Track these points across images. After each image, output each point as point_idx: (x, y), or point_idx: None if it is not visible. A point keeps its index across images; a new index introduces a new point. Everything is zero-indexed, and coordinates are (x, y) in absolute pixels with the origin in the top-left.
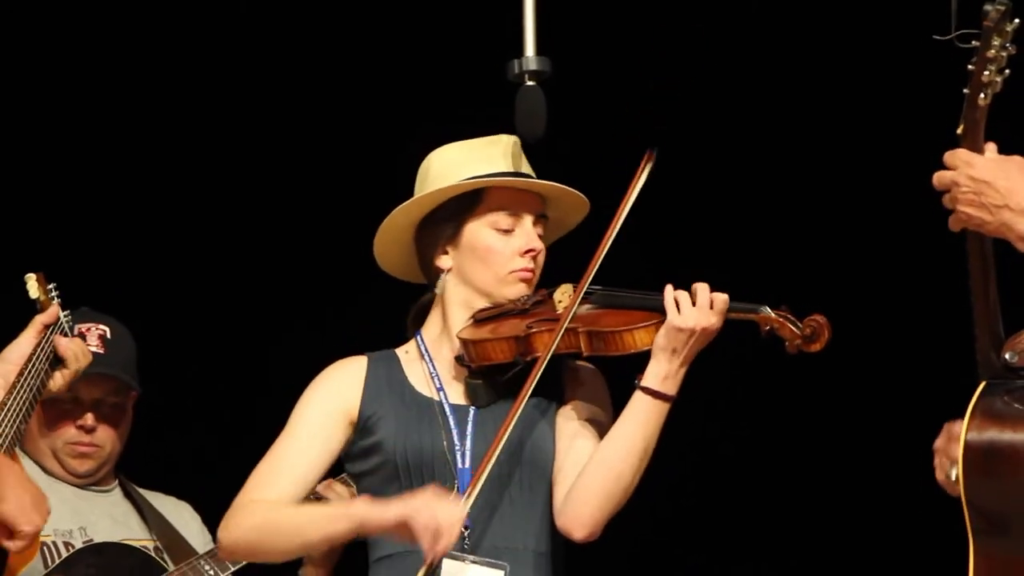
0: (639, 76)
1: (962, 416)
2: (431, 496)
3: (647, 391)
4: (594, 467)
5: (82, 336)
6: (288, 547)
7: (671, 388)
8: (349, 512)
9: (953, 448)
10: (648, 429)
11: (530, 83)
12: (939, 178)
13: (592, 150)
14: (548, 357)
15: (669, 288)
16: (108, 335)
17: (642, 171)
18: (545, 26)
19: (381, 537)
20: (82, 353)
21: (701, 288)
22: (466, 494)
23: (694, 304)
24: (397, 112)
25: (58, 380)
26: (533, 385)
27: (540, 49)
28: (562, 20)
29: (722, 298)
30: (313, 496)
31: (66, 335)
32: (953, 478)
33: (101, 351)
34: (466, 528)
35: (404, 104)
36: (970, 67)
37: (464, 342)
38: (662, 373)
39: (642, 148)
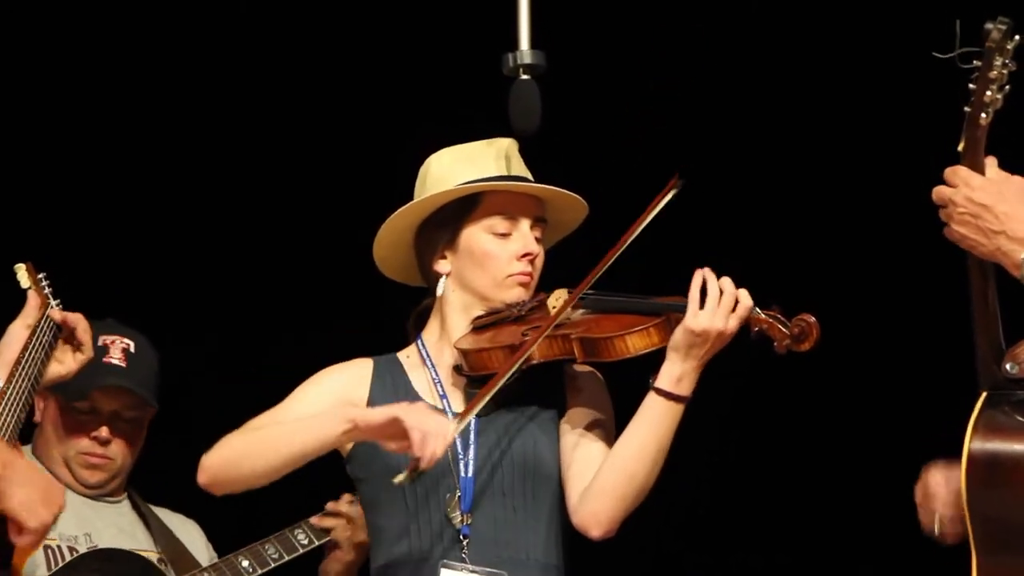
0: (635, 71)
1: (950, 432)
2: (423, 406)
3: (660, 392)
4: (609, 466)
5: (105, 348)
6: (276, 458)
7: (685, 389)
8: (341, 412)
9: (931, 503)
10: (662, 430)
11: (524, 77)
12: (938, 193)
13: (589, 147)
14: (526, 354)
15: (697, 277)
16: (131, 349)
17: (665, 195)
18: (540, 19)
19: (378, 545)
20: (83, 330)
21: (726, 290)
22: (458, 419)
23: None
24: (392, 107)
25: (68, 364)
26: (509, 376)
27: (535, 43)
28: (557, 13)
29: (746, 304)
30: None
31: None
32: (935, 531)
33: (123, 365)
34: (465, 537)
35: (398, 99)
36: (971, 86)
37: (462, 352)
38: (676, 374)
39: (640, 149)
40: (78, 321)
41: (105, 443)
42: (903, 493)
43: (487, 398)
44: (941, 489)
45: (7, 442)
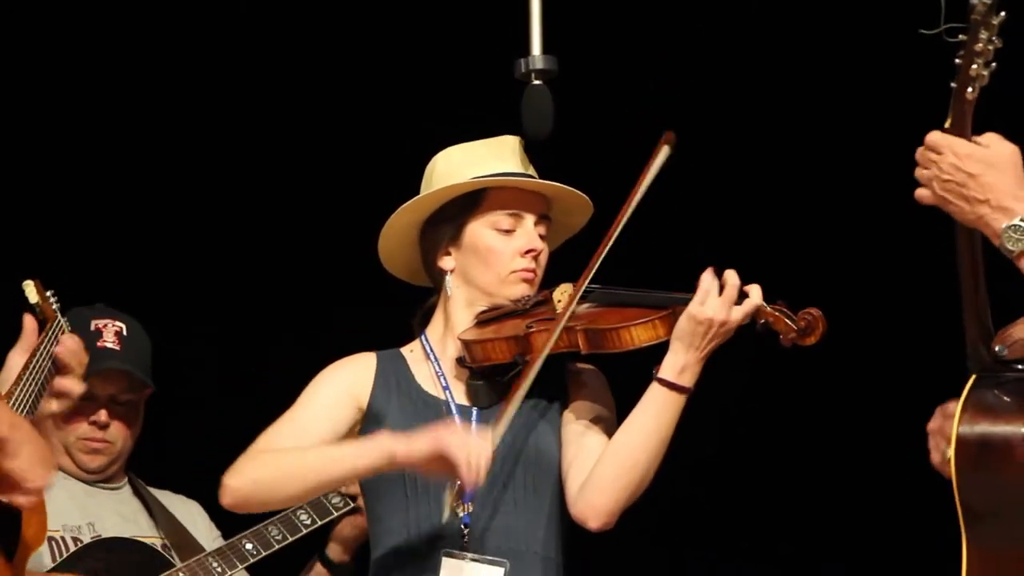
0: (645, 75)
1: (955, 398)
2: (458, 428)
3: (663, 382)
4: (609, 457)
5: (99, 332)
6: (308, 485)
7: (688, 380)
8: (379, 444)
9: (949, 427)
10: (663, 421)
11: (537, 82)
12: (921, 155)
13: (598, 150)
14: (545, 354)
15: (707, 273)
16: (124, 332)
17: (657, 154)
18: (552, 25)
19: (379, 536)
20: (80, 351)
21: (729, 282)
22: (494, 428)
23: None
24: (404, 112)
25: (65, 386)
26: (530, 381)
27: (547, 48)
28: (569, 19)
29: (755, 296)
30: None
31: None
32: (951, 456)
33: (117, 348)
34: (466, 527)
35: (411, 103)
36: (957, 61)
37: (465, 343)
38: (679, 364)
39: (646, 148)
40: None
41: (104, 427)
42: (892, 479)
43: (518, 402)
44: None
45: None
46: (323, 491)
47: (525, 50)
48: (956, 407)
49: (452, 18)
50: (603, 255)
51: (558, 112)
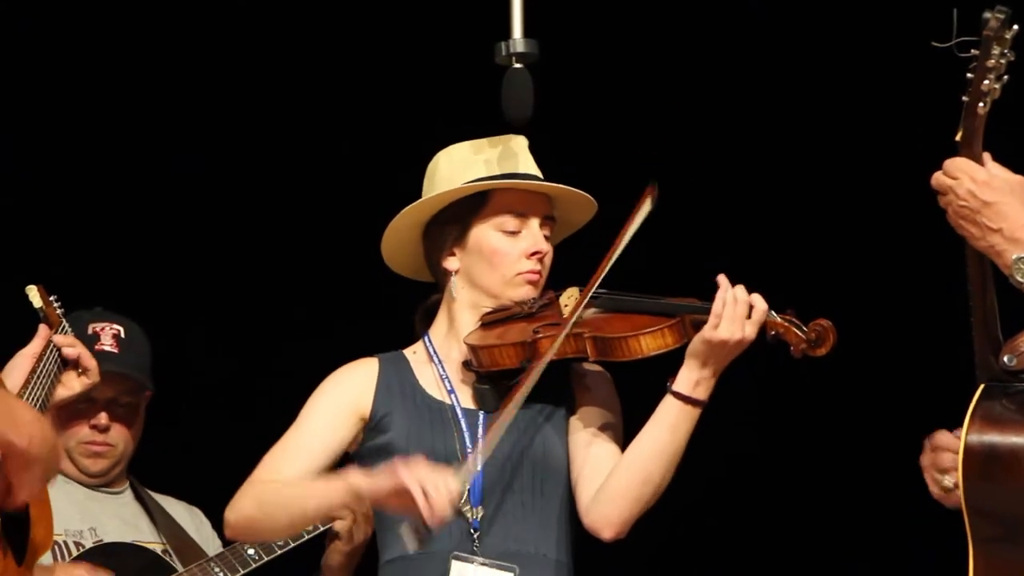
0: (630, 59)
1: (948, 424)
2: (423, 463)
3: (679, 396)
4: (623, 468)
5: (96, 336)
6: (288, 521)
7: (702, 394)
8: (345, 482)
9: (940, 459)
10: (678, 433)
11: (517, 66)
12: (937, 181)
13: (582, 136)
14: (547, 360)
15: (718, 297)
16: (122, 334)
17: (641, 205)
18: (533, 8)
19: (388, 539)
20: (86, 356)
21: (740, 299)
22: (464, 467)
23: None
24: (385, 98)
25: (72, 387)
26: (531, 385)
27: (528, 31)
28: (550, 1)
29: (761, 309)
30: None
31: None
32: (950, 485)
33: (115, 351)
34: (475, 530)
35: (391, 89)
36: (969, 75)
37: (471, 348)
38: (694, 379)
39: (637, 139)
40: (79, 353)
41: (105, 430)
42: (900, 489)
43: (516, 407)
44: (950, 444)
45: None
46: (308, 525)
47: (506, 33)
48: (946, 434)
49: (433, 2)
50: (611, 263)
51: (538, 96)
